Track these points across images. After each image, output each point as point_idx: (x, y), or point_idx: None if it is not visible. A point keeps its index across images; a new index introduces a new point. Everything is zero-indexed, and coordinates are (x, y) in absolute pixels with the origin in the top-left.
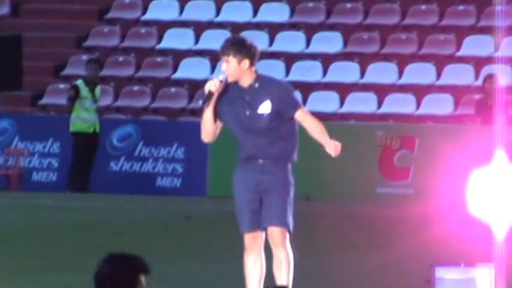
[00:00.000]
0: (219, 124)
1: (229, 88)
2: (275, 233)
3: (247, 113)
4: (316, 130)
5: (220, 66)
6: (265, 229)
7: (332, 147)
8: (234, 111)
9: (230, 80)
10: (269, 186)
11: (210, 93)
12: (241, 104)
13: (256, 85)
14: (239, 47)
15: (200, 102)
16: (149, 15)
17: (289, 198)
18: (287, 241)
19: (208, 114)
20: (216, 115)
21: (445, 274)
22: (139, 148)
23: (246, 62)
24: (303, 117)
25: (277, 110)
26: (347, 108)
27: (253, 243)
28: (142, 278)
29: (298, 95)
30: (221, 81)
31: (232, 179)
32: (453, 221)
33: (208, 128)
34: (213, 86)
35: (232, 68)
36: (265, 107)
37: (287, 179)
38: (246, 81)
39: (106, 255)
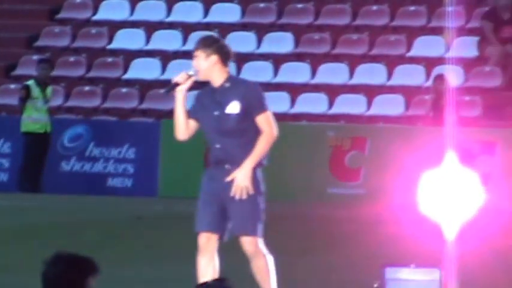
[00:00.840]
0: (194, 124)
1: (204, 91)
2: (246, 243)
3: (216, 113)
4: (257, 145)
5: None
6: (220, 235)
7: (238, 179)
8: (206, 112)
9: (200, 76)
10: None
11: (176, 84)
12: (212, 104)
13: (227, 85)
14: (209, 42)
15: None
16: (100, 16)
17: (257, 204)
18: (260, 247)
19: (177, 109)
20: (188, 113)
21: (395, 275)
22: (90, 148)
23: (213, 58)
24: (261, 124)
25: (245, 110)
26: (298, 108)
27: (206, 245)
28: (91, 279)
29: None
30: (189, 75)
31: (202, 179)
32: (404, 222)
33: (180, 123)
34: (180, 77)
35: (200, 63)
36: (233, 107)
37: (254, 185)
38: (217, 80)
39: (53, 255)
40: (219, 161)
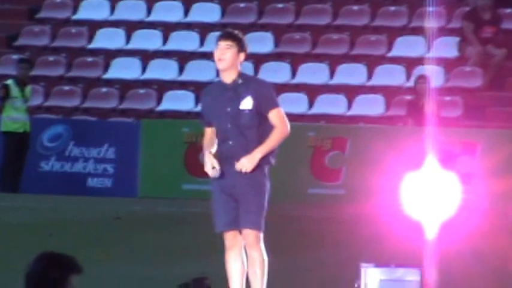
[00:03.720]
0: (213, 131)
1: (213, 88)
2: (249, 235)
3: (229, 109)
4: (269, 138)
5: (213, 54)
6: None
7: (244, 162)
8: (217, 108)
9: (222, 66)
10: (243, 189)
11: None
12: (224, 100)
13: (240, 81)
14: (241, 37)
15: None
16: (80, 15)
17: (263, 201)
18: (261, 242)
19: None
20: (204, 122)
21: (375, 274)
22: (70, 148)
23: (242, 56)
24: (274, 120)
25: (257, 107)
26: None
27: (232, 242)
28: (73, 278)
29: None
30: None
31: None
32: (384, 222)
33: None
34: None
35: (231, 55)
36: (246, 103)
37: (262, 182)
38: (230, 76)
39: (38, 253)
40: (228, 157)
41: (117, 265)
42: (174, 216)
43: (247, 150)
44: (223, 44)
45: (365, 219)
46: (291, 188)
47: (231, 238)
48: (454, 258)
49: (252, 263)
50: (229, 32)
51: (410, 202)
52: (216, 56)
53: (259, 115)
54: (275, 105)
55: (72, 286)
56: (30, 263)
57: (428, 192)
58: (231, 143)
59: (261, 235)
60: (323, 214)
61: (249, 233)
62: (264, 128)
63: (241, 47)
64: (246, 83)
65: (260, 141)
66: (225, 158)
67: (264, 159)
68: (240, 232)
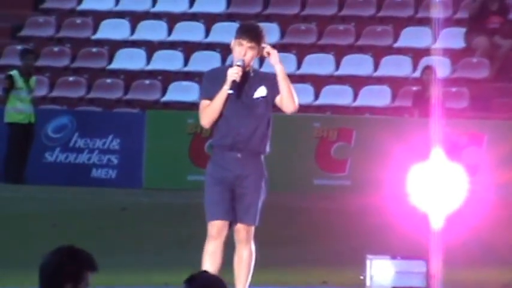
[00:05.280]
0: None
1: (222, 73)
2: (243, 230)
3: (244, 98)
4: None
5: (237, 51)
6: (231, 223)
7: (273, 56)
8: (231, 96)
9: (245, 65)
10: (245, 182)
11: (234, 82)
12: (238, 89)
13: (252, 74)
14: (263, 34)
15: (229, 91)
16: (85, 5)
17: (262, 194)
18: (252, 236)
19: (221, 100)
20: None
21: (381, 266)
22: (74, 139)
23: (260, 53)
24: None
25: (269, 96)
26: None
27: (217, 233)
28: (88, 275)
29: None
30: (241, 67)
31: (207, 166)
32: (390, 213)
33: (217, 113)
34: (236, 75)
35: (251, 55)
36: (260, 91)
37: (262, 174)
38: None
39: (57, 247)
40: (234, 147)
41: (122, 256)
42: (179, 207)
43: (255, 140)
44: (247, 44)
45: (371, 210)
46: (297, 179)
47: (219, 228)
48: (460, 249)
49: (240, 260)
50: (255, 33)
51: (417, 193)
52: (238, 53)
53: (270, 104)
54: None
55: (87, 283)
56: (47, 255)
57: (434, 183)
58: (241, 131)
59: (253, 228)
60: (329, 205)
61: (244, 228)
62: (269, 117)
63: (261, 45)
64: (258, 76)
65: (262, 130)
66: (231, 147)
67: (262, 149)
68: (230, 224)
